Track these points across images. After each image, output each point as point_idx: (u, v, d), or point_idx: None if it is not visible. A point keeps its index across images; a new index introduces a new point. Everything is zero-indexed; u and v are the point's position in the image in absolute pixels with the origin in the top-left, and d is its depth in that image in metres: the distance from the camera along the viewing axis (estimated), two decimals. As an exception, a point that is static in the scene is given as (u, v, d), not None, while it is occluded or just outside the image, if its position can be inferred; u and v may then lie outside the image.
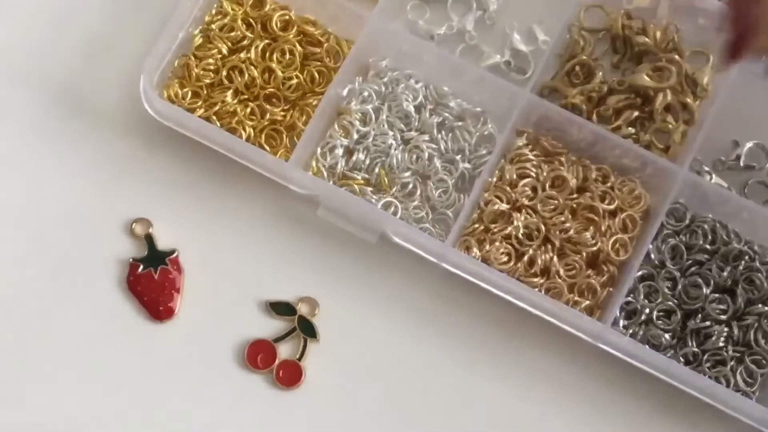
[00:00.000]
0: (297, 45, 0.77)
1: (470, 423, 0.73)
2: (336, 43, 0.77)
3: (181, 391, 0.73)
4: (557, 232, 0.73)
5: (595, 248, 0.73)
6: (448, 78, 0.76)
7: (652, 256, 0.73)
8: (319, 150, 0.76)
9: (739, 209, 0.73)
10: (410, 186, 0.75)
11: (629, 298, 0.72)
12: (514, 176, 0.74)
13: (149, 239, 0.74)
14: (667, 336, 0.71)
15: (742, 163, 0.76)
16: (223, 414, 0.72)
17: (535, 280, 0.73)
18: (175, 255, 0.74)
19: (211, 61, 0.77)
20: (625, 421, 0.73)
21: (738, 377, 0.71)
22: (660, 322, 0.72)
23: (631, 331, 0.72)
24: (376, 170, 0.75)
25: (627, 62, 0.78)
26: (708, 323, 0.72)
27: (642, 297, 0.72)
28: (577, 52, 0.77)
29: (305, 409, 0.73)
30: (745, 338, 0.72)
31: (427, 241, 0.72)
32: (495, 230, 0.74)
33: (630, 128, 0.75)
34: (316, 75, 0.77)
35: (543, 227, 0.73)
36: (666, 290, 0.72)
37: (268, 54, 0.77)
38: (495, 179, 0.75)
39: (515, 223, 0.74)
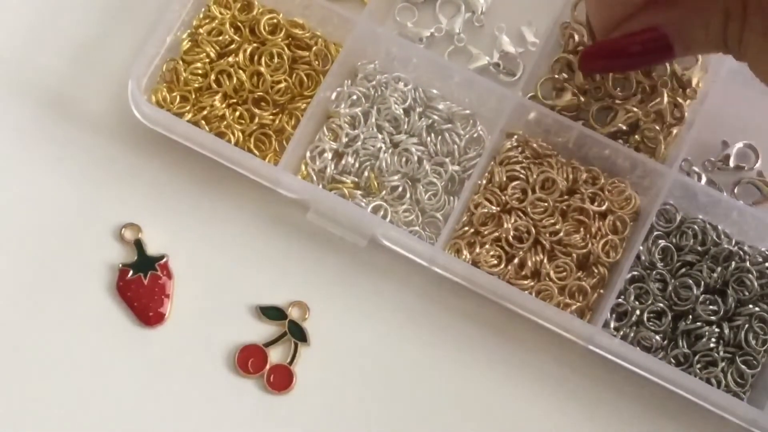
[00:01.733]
0: (285, 48, 0.77)
1: (462, 425, 0.73)
2: (324, 47, 0.77)
3: (172, 396, 0.72)
4: (547, 235, 0.73)
5: (585, 250, 0.73)
6: (437, 80, 0.76)
7: (643, 257, 0.73)
8: (308, 154, 0.75)
9: (729, 210, 0.73)
10: (400, 189, 0.75)
11: (620, 300, 0.72)
12: (504, 178, 0.74)
13: (138, 244, 0.74)
14: (657, 337, 0.71)
15: (731, 164, 0.76)
16: (213, 419, 0.72)
17: (526, 282, 0.73)
18: (164, 260, 0.74)
19: (199, 65, 0.76)
20: (616, 423, 0.73)
21: (729, 378, 0.71)
22: (651, 323, 0.72)
23: (621, 333, 0.72)
24: (366, 173, 0.75)
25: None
26: (699, 324, 0.72)
27: (632, 298, 0.72)
28: (571, 47, 0.77)
29: (297, 413, 0.72)
30: (735, 339, 0.72)
31: (416, 244, 0.72)
32: (485, 233, 0.74)
33: (622, 125, 0.75)
34: (305, 78, 0.76)
35: (533, 229, 0.73)
36: (656, 291, 0.72)
37: (256, 58, 0.77)
38: (484, 182, 0.75)
39: (505, 225, 0.73)
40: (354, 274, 0.74)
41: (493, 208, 0.74)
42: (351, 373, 0.73)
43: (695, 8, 0.60)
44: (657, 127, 0.74)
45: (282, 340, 0.73)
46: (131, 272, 0.74)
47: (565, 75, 0.77)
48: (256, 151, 0.75)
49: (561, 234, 0.73)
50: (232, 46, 0.77)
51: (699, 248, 0.73)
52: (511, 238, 0.73)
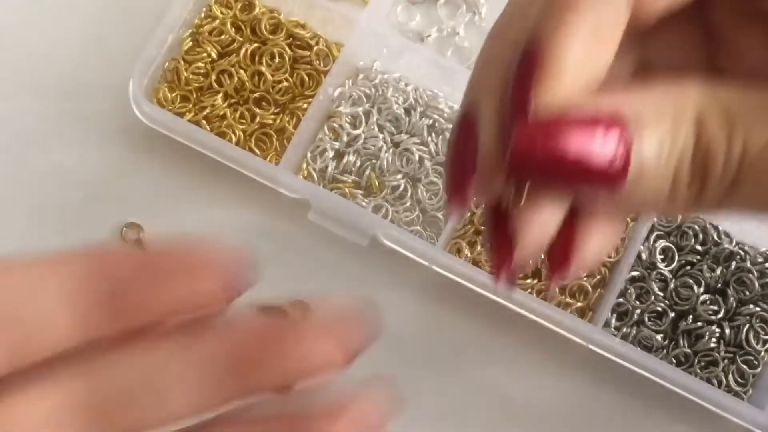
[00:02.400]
0: (286, 48, 0.77)
1: (463, 425, 0.73)
2: (325, 46, 0.77)
3: (173, 396, 0.72)
4: (548, 234, 0.73)
5: (586, 250, 0.73)
6: (439, 80, 0.76)
7: (643, 257, 0.73)
8: (309, 153, 0.75)
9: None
10: (401, 189, 0.75)
11: (620, 300, 0.72)
12: (505, 178, 0.74)
13: (140, 244, 0.74)
14: (658, 337, 0.71)
15: (732, 164, 0.76)
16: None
17: (527, 282, 0.73)
18: (165, 259, 0.74)
19: (200, 64, 0.76)
20: (617, 423, 0.73)
21: (730, 378, 0.71)
22: (651, 323, 0.72)
23: (622, 333, 0.72)
24: (367, 173, 0.75)
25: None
26: (699, 324, 0.72)
27: (633, 298, 0.72)
28: None
29: (297, 413, 0.72)
30: (736, 339, 0.72)
31: (417, 243, 0.72)
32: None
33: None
34: (306, 78, 0.76)
35: (534, 229, 0.73)
36: (657, 291, 0.72)
37: (257, 57, 0.77)
38: (485, 181, 0.75)
39: (506, 225, 0.73)
40: (354, 273, 0.74)
41: (494, 207, 0.74)
42: (351, 373, 0.73)
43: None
44: None
45: (283, 339, 0.73)
46: (132, 271, 0.74)
47: None
48: (257, 151, 0.75)
49: (562, 233, 0.73)
50: (234, 45, 0.77)
51: (700, 248, 0.73)
52: (511, 238, 0.73)
